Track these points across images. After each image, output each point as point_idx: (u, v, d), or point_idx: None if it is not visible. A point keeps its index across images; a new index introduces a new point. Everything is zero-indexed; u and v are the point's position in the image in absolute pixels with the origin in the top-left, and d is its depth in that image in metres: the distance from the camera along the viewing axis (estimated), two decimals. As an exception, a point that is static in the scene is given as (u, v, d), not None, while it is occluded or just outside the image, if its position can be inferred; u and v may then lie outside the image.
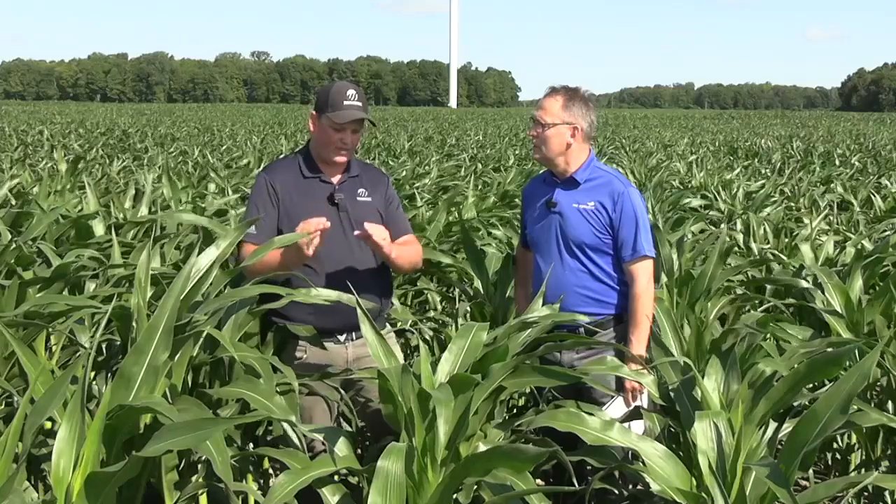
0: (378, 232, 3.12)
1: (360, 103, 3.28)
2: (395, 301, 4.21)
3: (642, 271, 3.33)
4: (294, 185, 3.30)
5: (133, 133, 24.89)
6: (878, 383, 3.61)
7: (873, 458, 3.60)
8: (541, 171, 3.70)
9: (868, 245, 5.45)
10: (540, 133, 3.38)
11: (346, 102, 3.24)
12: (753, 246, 5.99)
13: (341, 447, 2.69)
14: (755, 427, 2.61)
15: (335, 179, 3.34)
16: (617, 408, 3.20)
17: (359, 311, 2.75)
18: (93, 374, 3.38)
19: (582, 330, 3.30)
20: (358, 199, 3.34)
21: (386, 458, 2.38)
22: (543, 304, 3.30)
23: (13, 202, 6.61)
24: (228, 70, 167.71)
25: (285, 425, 2.82)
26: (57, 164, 10.85)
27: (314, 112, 3.31)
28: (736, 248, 5.71)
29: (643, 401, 3.22)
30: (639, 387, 3.20)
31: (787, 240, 6.18)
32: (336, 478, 2.74)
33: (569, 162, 3.40)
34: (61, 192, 6.77)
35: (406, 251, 3.36)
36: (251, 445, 3.24)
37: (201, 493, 2.89)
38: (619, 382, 3.27)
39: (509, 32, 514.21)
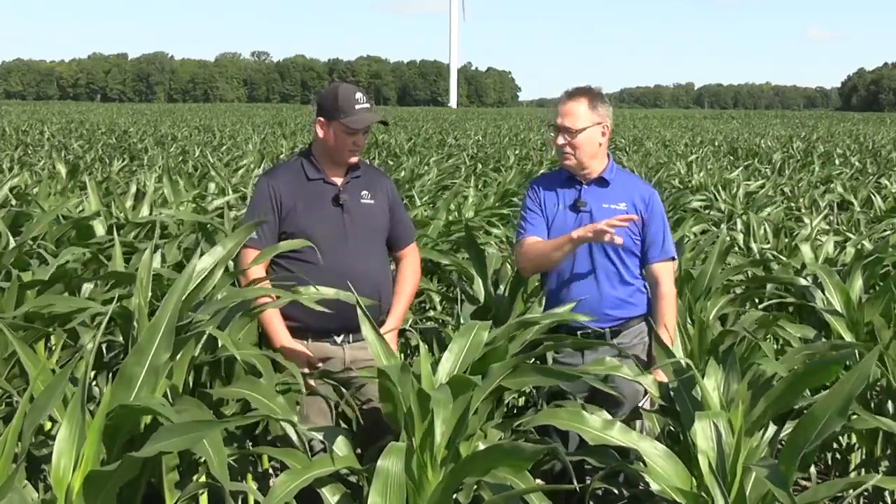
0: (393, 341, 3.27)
1: (369, 105, 3.31)
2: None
3: (667, 272, 3.36)
4: (298, 188, 3.29)
5: (133, 133, 24.89)
6: (878, 384, 3.61)
7: (873, 458, 3.60)
8: (542, 171, 3.69)
9: (868, 245, 5.45)
10: (569, 141, 3.32)
11: (357, 107, 3.25)
12: (753, 246, 5.99)
13: (341, 447, 2.69)
14: (755, 427, 2.61)
15: (339, 181, 3.34)
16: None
17: (359, 311, 2.75)
18: (93, 374, 3.38)
19: (608, 331, 3.30)
20: (361, 200, 3.34)
21: (386, 457, 2.38)
22: (566, 305, 3.30)
23: (13, 202, 6.61)
24: (228, 70, 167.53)
25: (285, 425, 2.82)
26: (55, 163, 10.85)
27: (322, 118, 3.29)
28: (736, 248, 5.71)
29: (645, 401, 3.22)
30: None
31: (787, 240, 6.18)
32: (336, 478, 2.74)
33: (599, 162, 3.39)
34: (62, 192, 6.77)
35: (410, 289, 3.47)
36: (250, 445, 3.24)
37: (202, 493, 2.89)
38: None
39: (509, 32, 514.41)
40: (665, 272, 3.35)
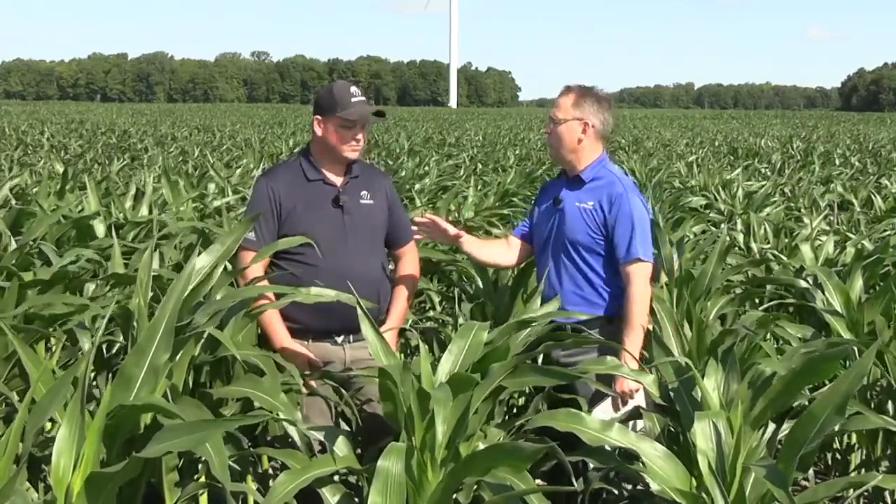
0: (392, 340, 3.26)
1: (365, 98, 3.32)
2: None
3: (636, 274, 3.32)
4: (297, 189, 3.30)
5: (133, 133, 24.87)
6: (878, 384, 3.61)
7: (873, 458, 3.61)
8: (541, 172, 3.74)
9: (868, 245, 5.45)
10: (552, 129, 3.45)
11: (353, 99, 3.27)
12: (753, 246, 5.99)
13: (341, 447, 2.69)
14: (755, 427, 2.61)
15: (338, 182, 3.34)
16: (605, 410, 3.19)
17: (359, 310, 2.75)
18: (93, 374, 3.38)
19: (568, 328, 3.32)
20: (361, 201, 3.35)
21: (386, 458, 2.38)
22: (541, 302, 3.33)
23: (13, 202, 6.61)
24: (228, 70, 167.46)
25: (286, 424, 2.82)
26: (53, 163, 10.84)
27: (319, 116, 3.30)
28: (736, 248, 5.71)
29: (641, 401, 3.22)
30: (630, 390, 3.19)
31: (787, 240, 6.18)
32: (336, 478, 2.74)
33: (579, 159, 3.44)
34: (60, 192, 6.77)
35: (409, 288, 3.47)
36: (250, 445, 3.24)
37: (202, 493, 2.89)
38: (609, 384, 3.25)
39: (509, 32, 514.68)
40: (634, 274, 3.31)
